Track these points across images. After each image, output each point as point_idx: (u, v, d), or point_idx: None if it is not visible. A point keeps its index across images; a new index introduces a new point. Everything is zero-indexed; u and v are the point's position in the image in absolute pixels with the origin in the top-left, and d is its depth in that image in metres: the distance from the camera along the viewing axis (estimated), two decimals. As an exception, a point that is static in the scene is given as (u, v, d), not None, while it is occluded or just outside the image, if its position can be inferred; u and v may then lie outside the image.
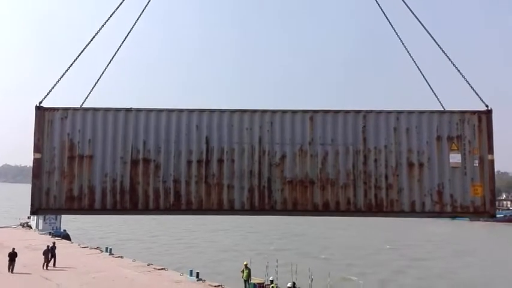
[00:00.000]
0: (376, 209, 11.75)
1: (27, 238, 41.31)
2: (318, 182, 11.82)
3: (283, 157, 11.91)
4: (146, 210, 12.03)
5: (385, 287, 31.50)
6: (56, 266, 26.49)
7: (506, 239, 58.00)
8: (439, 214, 11.81)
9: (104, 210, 12.08)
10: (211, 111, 12.13)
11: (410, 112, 12.01)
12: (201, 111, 12.14)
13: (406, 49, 13.40)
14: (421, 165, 11.80)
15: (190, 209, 11.91)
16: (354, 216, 12.18)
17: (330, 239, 51.08)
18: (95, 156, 12.04)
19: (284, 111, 12.09)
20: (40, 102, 12.20)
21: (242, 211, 11.94)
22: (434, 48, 12.78)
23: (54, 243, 28.86)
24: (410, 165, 11.81)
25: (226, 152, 11.94)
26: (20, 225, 54.16)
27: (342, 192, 11.78)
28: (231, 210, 11.90)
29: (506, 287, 32.02)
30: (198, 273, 24.60)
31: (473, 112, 11.96)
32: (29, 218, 54.78)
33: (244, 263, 22.98)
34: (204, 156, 11.94)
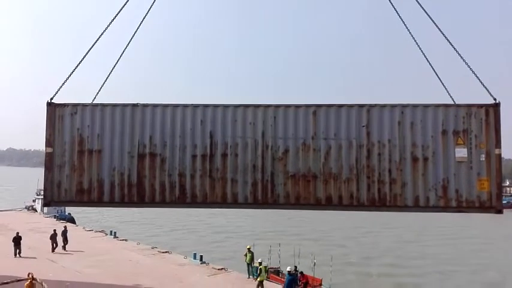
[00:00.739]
0: (379, 203, 11.72)
1: (32, 221, 41.43)
2: (321, 176, 11.87)
3: (286, 151, 11.99)
4: (153, 203, 12.34)
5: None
6: (59, 249, 26.37)
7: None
8: (444, 209, 11.69)
9: (112, 203, 12.46)
10: (215, 106, 12.29)
11: (415, 106, 11.87)
12: (206, 106, 12.32)
13: (415, 40, 13.24)
14: (425, 159, 11.68)
15: (195, 202, 12.16)
16: (357, 211, 12.17)
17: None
18: (103, 150, 12.39)
19: (287, 106, 12.15)
20: (51, 99, 12.61)
21: (245, 204, 12.11)
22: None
23: (65, 226, 28.97)
24: (415, 159, 11.71)
25: (230, 146, 12.10)
26: (25, 208, 54.43)
27: (345, 187, 11.79)
28: (235, 203, 12.08)
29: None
30: (201, 256, 24.82)
31: (481, 106, 11.73)
32: (33, 201, 55.91)
33: (248, 247, 23.20)
34: (208, 151, 12.14)
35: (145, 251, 27.65)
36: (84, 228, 37.05)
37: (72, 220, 46.77)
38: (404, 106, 11.90)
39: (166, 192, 12.21)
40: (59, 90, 12.70)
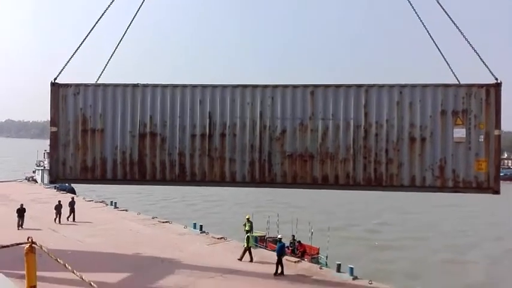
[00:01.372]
0: (375, 183, 11.82)
1: (32, 192, 40.91)
2: (318, 156, 11.98)
3: (283, 132, 12.10)
4: (154, 181, 12.68)
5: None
6: (64, 220, 26.01)
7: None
8: (440, 189, 11.72)
9: (115, 180, 12.84)
10: (214, 86, 12.40)
11: (413, 86, 11.78)
12: (204, 86, 12.44)
13: (419, 16, 12.99)
14: (423, 140, 11.66)
15: (194, 180, 12.45)
16: (353, 190, 12.32)
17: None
18: (105, 129, 12.70)
19: (285, 86, 12.18)
20: (55, 79, 12.89)
21: (243, 183, 12.36)
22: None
23: (73, 198, 28.55)
24: (412, 140, 11.70)
25: (228, 126, 12.26)
26: (25, 179, 53.86)
27: (341, 166, 11.89)
28: (233, 182, 12.33)
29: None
30: (201, 226, 24.94)
31: (481, 85, 11.57)
32: (33, 172, 55.94)
33: (247, 217, 23.47)
34: (207, 131, 12.33)
35: (146, 221, 27.68)
36: (84, 198, 36.87)
37: (72, 191, 46.04)
38: (402, 86, 11.82)
39: (167, 170, 12.51)
40: (62, 70, 12.96)
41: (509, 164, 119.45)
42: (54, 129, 12.89)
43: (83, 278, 3.51)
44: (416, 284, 22.29)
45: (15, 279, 5.22)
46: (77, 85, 12.86)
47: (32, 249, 3.55)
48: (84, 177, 12.88)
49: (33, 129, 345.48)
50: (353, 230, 34.72)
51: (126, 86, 12.68)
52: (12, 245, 3.70)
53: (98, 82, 13.17)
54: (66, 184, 49.92)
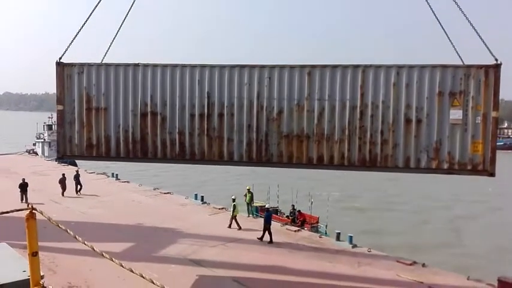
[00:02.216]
0: (369, 163, 11.94)
1: (33, 164, 41.86)
2: (314, 136, 12.13)
3: (280, 112, 12.25)
4: (155, 159, 13.10)
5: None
6: (73, 193, 26.31)
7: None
8: (435, 171, 11.79)
9: (118, 157, 13.31)
10: (212, 66, 12.55)
11: (411, 67, 11.67)
12: (203, 66, 12.60)
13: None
14: (419, 121, 11.66)
15: (193, 159, 12.81)
16: (347, 170, 12.46)
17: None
18: (109, 108, 13.08)
19: (282, 67, 12.24)
20: (60, 58, 13.24)
21: (241, 162, 12.65)
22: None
23: (77, 171, 28.61)
24: (408, 121, 11.70)
25: (226, 106, 12.47)
26: (26, 151, 54.39)
27: (337, 147, 12.03)
28: (231, 161, 12.64)
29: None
30: (202, 197, 25.50)
31: (480, 66, 11.38)
32: (34, 145, 56.80)
33: (247, 188, 24.01)
34: (205, 110, 12.58)
35: (148, 192, 28.22)
36: (86, 170, 37.44)
37: (73, 163, 45.13)
38: (400, 67, 11.73)
39: (167, 149, 12.89)
40: (66, 50, 13.27)
41: (509, 133, 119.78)
42: (60, 107, 13.32)
43: (87, 244, 3.57)
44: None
45: (19, 249, 5.56)
46: (81, 64, 13.19)
47: (32, 216, 3.59)
48: (89, 154, 13.38)
49: (32, 101, 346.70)
50: (350, 201, 36.15)
51: (127, 65, 12.95)
52: (12, 211, 3.76)
53: (103, 62, 13.53)
54: None
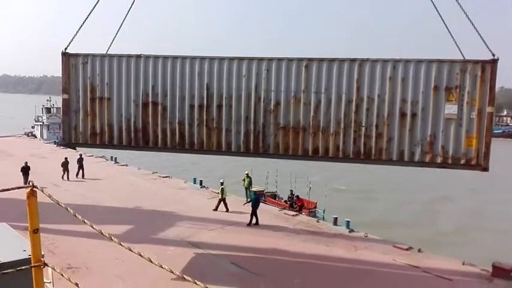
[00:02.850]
0: (364, 156, 12.13)
1: (32, 147, 41.78)
2: (310, 129, 12.34)
3: (277, 104, 12.47)
4: (156, 148, 13.49)
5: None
6: (72, 177, 26.18)
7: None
8: (428, 164, 11.93)
9: (121, 145, 13.73)
10: (212, 58, 12.78)
11: (407, 61, 11.74)
12: (202, 58, 12.84)
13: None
14: (413, 115, 11.76)
15: (192, 148, 13.16)
16: (342, 162, 12.67)
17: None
18: (112, 98, 13.45)
19: (280, 59, 12.41)
20: (65, 48, 13.62)
21: (238, 153, 12.96)
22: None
23: (81, 155, 28.60)
24: (403, 115, 11.82)
25: (225, 98, 12.73)
26: (25, 134, 54.52)
27: (332, 139, 12.23)
28: (229, 151, 12.96)
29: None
30: (201, 181, 25.74)
31: (477, 61, 11.40)
32: (32, 127, 56.74)
33: (246, 172, 24.25)
34: (205, 102, 12.86)
35: (146, 175, 28.49)
36: (85, 153, 36.94)
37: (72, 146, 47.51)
38: (396, 61, 11.80)
39: (168, 138, 13.25)
40: (72, 40, 13.65)
41: (508, 121, 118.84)
42: (65, 96, 13.75)
43: (92, 226, 3.58)
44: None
45: (20, 230, 5.81)
46: (85, 55, 13.55)
47: (33, 193, 3.57)
48: (93, 141, 13.82)
49: (30, 84, 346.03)
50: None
51: (130, 56, 13.27)
52: (13, 188, 3.69)
53: (107, 52, 13.88)
54: None
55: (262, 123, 12.60)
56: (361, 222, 21.37)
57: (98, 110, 13.58)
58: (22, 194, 3.25)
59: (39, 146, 43.79)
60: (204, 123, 12.94)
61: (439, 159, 11.78)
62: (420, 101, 11.69)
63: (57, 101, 56.04)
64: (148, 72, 13.13)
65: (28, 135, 54.32)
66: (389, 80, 11.80)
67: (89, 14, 14.09)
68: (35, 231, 3.56)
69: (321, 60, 12.19)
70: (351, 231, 17.91)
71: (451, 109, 11.59)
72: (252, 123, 12.65)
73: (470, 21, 11.63)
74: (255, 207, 18.27)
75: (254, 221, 18.23)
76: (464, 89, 11.47)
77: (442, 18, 12.58)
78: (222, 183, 20.89)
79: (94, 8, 14.15)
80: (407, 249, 16.21)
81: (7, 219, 10.51)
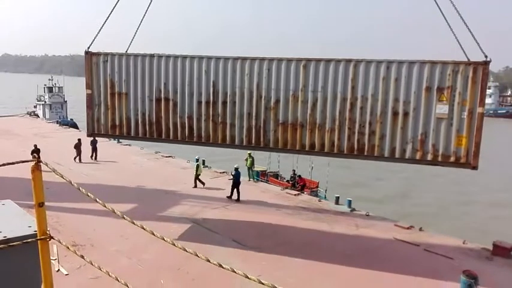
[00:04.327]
0: (357, 152, 12.80)
1: (35, 126, 41.33)
2: (307, 125, 13.11)
3: (277, 102, 13.29)
4: (168, 139, 14.71)
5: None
6: (87, 159, 26.09)
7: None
8: (419, 161, 12.44)
9: (137, 137, 15.07)
10: (217, 58, 13.71)
11: (401, 62, 12.19)
12: (209, 58, 13.79)
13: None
14: (405, 114, 12.26)
15: (200, 141, 14.27)
16: (336, 157, 13.41)
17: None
18: (129, 93, 14.72)
19: (280, 59, 13.17)
20: (88, 48, 14.95)
21: (241, 146, 13.97)
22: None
23: (95, 137, 27.22)
24: (395, 114, 12.34)
25: (229, 95, 13.68)
26: (27, 113, 54.07)
27: (328, 136, 12.96)
28: (232, 144, 13.98)
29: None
30: (204, 160, 25.47)
31: (469, 63, 11.71)
32: (34, 107, 56.80)
33: (248, 152, 24.55)
34: (211, 98, 13.87)
35: (149, 155, 28.52)
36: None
37: (74, 125, 46.63)
38: (390, 62, 12.28)
39: (178, 131, 14.42)
40: (94, 39, 14.94)
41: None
42: (89, 91, 15.14)
43: (99, 200, 3.47)
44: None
45: (25, 208, 5.29)
46: (106, 54, 14.83)
47: (38, 167, 3.48)
48: (113, 132, 15.23)
49: (31, 63, 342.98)
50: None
51: (144, 56, 14.42)
52: (17, 162, 3.62)
53: (126, 51, 15.11)
54: (69, 119, 50.47)
55: (263, 119, 13.49)
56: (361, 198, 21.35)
57: (117, 104, 14.89)
58: (27, 173, 3.32)
59: (41, 126, 43.50)
60: (211, 118, 13.98)
61: (429, 157, 12.26)
62: (412, 101, 12.15)
63: (59, 80, 58.06)
64: (161, 71, 14.25)
65: (30, 115, 54.19)
66: (383, 80, 12.31)
67: (108, 15, 15.26)
68: (40, 205, 3.53)
69: (318, 60, 12.85)
70: (353, 210, 18.26)
71: (442, 109, 12.00)
72: (254, 119, 13.56)
73: (465, 23, 11.85)
74: (236, 182, 19.02)
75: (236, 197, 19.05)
76: (455, 90, 11.82)
77: (447, 20, 12.87)
78: (197, 160, 21.51)
79: (113, 9, 15.33)
80: (408, 228, 16.46)
81: (12, 198, 11.37)
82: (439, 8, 12.82)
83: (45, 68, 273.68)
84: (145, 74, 14.44)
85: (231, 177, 20.28)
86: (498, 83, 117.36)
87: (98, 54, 14.88)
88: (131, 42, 15.52)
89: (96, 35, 14.98)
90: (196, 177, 21.28)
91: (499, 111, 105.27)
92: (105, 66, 14.82)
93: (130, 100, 14.75)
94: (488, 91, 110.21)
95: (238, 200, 19.06)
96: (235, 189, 19.26)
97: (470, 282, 10.36)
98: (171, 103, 14.33)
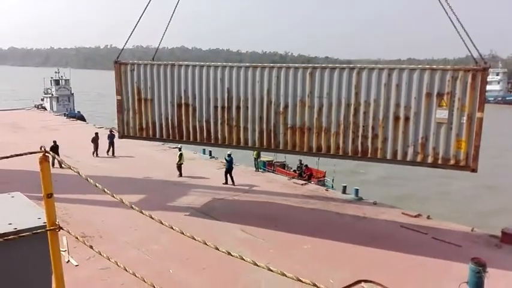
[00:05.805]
0: (361, 154, 13.50)
1: (43, 119, 41.28)
2: (314, 129, 13.94)
3: (286, 107, 14.20)
4: (189, 141, 16.02)
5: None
6: (103, 153, 25.97)
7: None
8: (420, 164, 12.98)
9: (161, 138, 16.51)
10: (231, 66, 14.78)
11: (401, 69, 12.72)
12: (224, 66, 14.89)
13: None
14: (406, 119, 12.80)
15: (217, 143, 15.47)
16: (342, 159, 14.17)
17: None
18: (153, 99, 16.11)
19: (288, 67, 14.05)
20: (117, 58, 16.46)
21: (254, 148, 15.08)
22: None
23: (111, 131, 26.98)
24: (396, 118, 12.91)
25: (243, 100, 14.73)
26: (35, 107, 54.47)
27: (333, 139, 13.73)
28: (246, 146, 15.08)
29: None
30: (210, 151, 26.18)
31: (468, 69, 12.07)
32: (42, 100, 56.88)
33: None
34: (226, 104, 14.98)
35: (157, 146, 28.21)
36: (94, 125, 36.51)
37: (82, 118, 47.11)
38: (391, 69, 12.84)
39: (197, 134, 15.67)
40: (122, 49, 16.41)
41: None
42: (119, 97, 16.68)
43: (102, 187, 3.43)
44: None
45: (34, 200, 4.81)
46: (132, 63, 16.29)
47: (45, 159, 3.45)
48: (140, 135, 16.72)
49: (37, 57, 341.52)
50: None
51: (166, 65, 15.73)
52: (25, 154, 3.58)
53: (153, 60, 16.51)
54: (76, 111, 51.14)
55: (273, 123, 14.45)
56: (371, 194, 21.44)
57: (144, 109, 16.34)
58: (36, 166, 3.32)
59: (49, 118, 43.40)
60: (226, 122, 15.11)
61: (429, 160, 12.78)
62: (413, 106, 12.67)
63: (65, 72, 58.25)
64: (181, 78, 15.51)
65: (38, 108, 54.40)
66: (384, 86, 12.91)
67: (137, 23, 16.66)
68: (49, 196, 3.52)
69: (324, 68, 13.62)
70: (360, 199, 18.46)
71: (441, 114, 12.46)
72: (265, 123, 14.55)
73: (465, 31, 12.17)
74: (228, 168, 20.07)
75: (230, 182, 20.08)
76: (455, 95, 12.23)
77: (453, 22, 13.23)
78: (180, 149, 22.05)
79: (141, 16, 16.71)
80: (416, 216, 16.51)
81: (21, 191, 12.00)
82: (448, 14, 13.21)
83: (52, 61, 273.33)
84: (168, 81, 15.75)
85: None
86: (506, 69, 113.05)
87: (125, 63, 16.35)
88: (156, 51, 16.91)
89: (125, 44, 16.46)
90: (179, 166, 21.69)
91: (507, 98, 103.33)
92: (132, 75, 16.26)
93: (154, 105, 16.14)
94: (497, 77, 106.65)
95: (233, 184, 19.97)
96: (228, 175, 20.24)
97: (478, 269, 10.40)
98: (190, 108, 15.58)
